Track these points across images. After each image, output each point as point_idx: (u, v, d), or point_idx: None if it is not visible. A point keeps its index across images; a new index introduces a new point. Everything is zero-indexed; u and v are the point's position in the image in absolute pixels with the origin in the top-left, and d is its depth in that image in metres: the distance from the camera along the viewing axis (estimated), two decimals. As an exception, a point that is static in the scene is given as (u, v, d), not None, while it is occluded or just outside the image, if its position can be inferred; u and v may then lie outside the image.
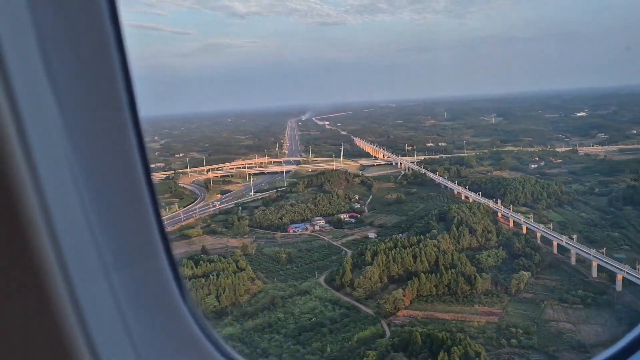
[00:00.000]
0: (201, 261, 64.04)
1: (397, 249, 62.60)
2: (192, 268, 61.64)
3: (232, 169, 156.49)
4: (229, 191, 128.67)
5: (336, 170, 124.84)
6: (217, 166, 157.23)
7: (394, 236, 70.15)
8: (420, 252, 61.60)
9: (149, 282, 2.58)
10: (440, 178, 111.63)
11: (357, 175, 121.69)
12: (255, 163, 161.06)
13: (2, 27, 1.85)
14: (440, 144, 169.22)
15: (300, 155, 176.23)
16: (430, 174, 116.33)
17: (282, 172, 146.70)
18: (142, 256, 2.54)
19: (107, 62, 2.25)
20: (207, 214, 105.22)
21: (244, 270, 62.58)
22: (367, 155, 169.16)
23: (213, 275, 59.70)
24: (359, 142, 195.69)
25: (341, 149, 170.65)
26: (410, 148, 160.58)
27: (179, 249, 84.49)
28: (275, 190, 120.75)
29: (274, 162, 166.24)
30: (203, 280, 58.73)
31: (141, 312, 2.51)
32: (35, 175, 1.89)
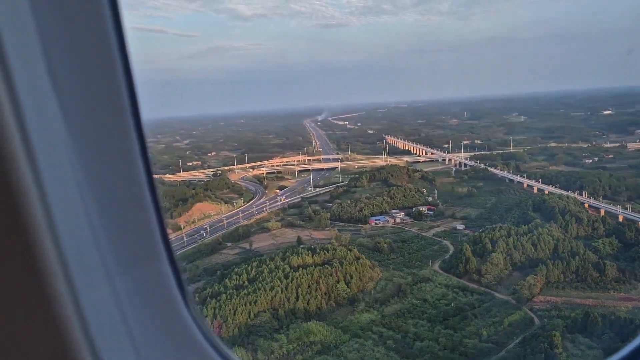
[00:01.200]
0: (318, 249, 64.03)
1: (515, 236, 62.92)
2: (311, 256, 61.68)
3: (273, 166, 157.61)
4: (284, 187, 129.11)
5: (396, 165, 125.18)
6: (257, 163, 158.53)
7: (499, 225, 70.26)
8: (539, 240, 61.87)
9: (151, 285, 2.58)
10: (505, 172, 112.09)
11: (416, 170, 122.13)
12: (295, 161, 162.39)
13: (4, 29, 1.85)
14: (476, 141, 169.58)
15: (337, 153, 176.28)
16: (492, 169, 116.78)
17: (328, 169, 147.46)
18: (145, 259, 2.53)
19: (109, 64, 2.24)
20: (276, 208, 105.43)
21: (360, 259, 62.61)
22: (406, 152, 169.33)
23: (336, 262, 59.68)
24: (392, 140, 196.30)
25: (385, 146, 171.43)
26: (447, 145, 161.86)
27: (265, 241, 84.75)
28: (335, 185, 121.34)
29: (313, 159, 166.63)
30: (329, 267, 58.74)
31: (143, 315, 2.51)
32: (38, 178, 1.89)
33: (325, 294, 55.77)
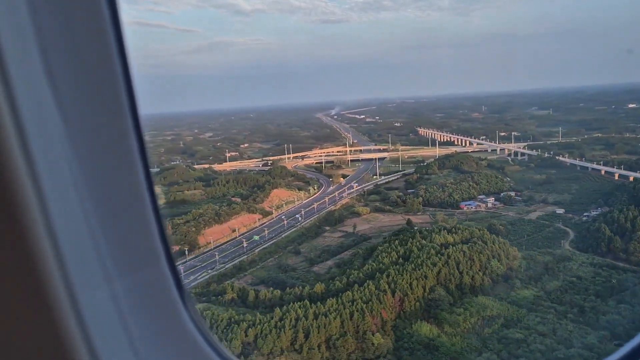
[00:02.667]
0: (453, 229, 64.16)
1: (649, 216, 63.45)
2: (452, 235, 61.72)
3: (318, 156, 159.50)
4: (346, 175, 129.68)
5: (462, 153, 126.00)
6: (301, 154, 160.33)
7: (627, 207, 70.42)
8: (676, 219, 62.47)
9: (150, 287, 2.58)
10: (577, 160, 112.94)
11: (482, 159, 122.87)
12: (335, 151, 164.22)
13: (2, 29, 1.84)
14: (513, 133, 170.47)
15: (375, 144, 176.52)
16: (560, 157, 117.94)
17: (376, 159, 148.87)
18: (144, 262, 2.52)
19: (108, 63, 2.23)
20: (354, 194, 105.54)
21: (496, 238, 62.72)
22: (449, 143, 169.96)
23: (478, 241, 59.73)
24: (423, 132, 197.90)
25: (430, 137, 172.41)
26: (484, 137, 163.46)
27: (363, 225, 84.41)
28: (401, 173, 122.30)
29: (354, 150, 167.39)
30: (475, 245, 58.78)
31: (142, 317, 2.51)
32: (36, 179, 1.88)
33: (479, 270, 55.77)
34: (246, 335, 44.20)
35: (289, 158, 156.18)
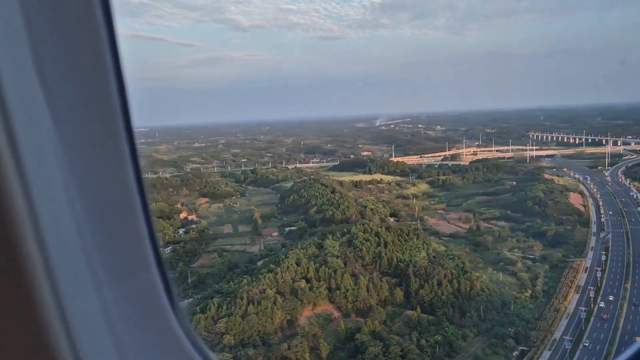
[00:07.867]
0: None
1: None
2: None
3: (482, 152, 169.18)
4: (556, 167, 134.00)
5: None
6: (446, 153, 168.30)
7: None
8: None
9: (140, 293, 2.54)
10: None
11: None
12: (471, 151, 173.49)
13: None
14: (628, 137, 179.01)
15: (509, 144, 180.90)
16: None
17: (547, 156, 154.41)
18: (134, 269, 2.48)
19: (100, 65, 2.20)
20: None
21: None
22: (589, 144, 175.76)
23: None
24: (534, 135, 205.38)
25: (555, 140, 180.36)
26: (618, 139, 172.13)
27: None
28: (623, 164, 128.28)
29: (486, 150, 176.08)
30: None
31: (131, 326, 2.47)
32: (25, 184, 1.86)
33: None
34: None
35: (467, 153, 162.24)
